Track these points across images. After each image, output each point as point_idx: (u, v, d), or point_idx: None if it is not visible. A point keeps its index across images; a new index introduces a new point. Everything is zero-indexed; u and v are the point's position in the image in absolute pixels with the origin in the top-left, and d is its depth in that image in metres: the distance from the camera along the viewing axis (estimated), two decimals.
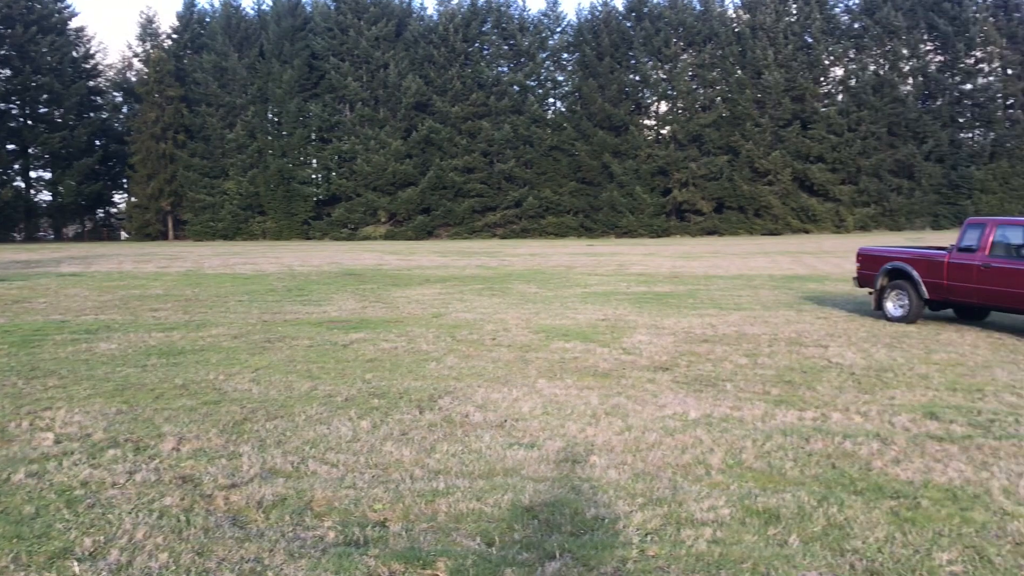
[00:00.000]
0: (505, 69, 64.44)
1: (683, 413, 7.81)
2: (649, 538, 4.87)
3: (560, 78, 65.49)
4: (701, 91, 62.81)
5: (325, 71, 63.14)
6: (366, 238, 61.29)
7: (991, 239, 12.74)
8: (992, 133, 62.29)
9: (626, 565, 4.52)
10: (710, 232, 60.82)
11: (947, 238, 42.63)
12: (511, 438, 7.00)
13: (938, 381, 9.27)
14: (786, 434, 7.04)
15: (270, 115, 65.12)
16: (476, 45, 64.30)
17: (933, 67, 63.16)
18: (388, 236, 61.77)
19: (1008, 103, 63.24)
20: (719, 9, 63.58)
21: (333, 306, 16.95)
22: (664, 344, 11.92)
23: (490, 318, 14.89)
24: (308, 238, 62.80)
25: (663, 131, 63.73)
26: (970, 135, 64.27)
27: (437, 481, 5.88)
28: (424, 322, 14.43)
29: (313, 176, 66.67)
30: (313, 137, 65.05)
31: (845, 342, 12.01)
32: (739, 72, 61.08)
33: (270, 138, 64.47)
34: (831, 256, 33.15)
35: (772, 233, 59.87)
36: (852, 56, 63.49)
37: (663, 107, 64.49)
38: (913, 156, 61.22)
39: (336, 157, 64.51)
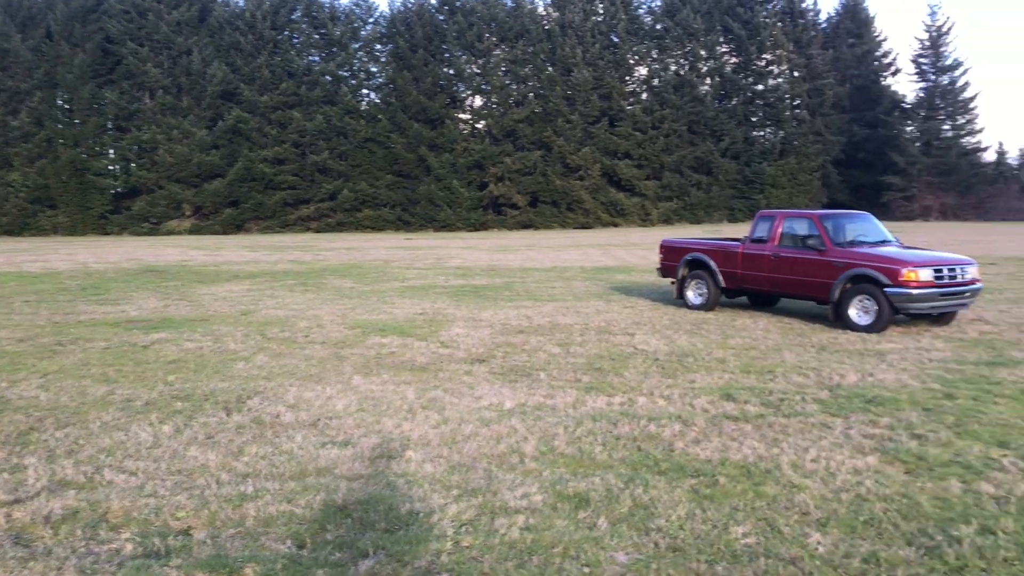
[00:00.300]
0: (316, 59, 62.92)
1: (499, 403, 7.90)
2: (464, 529, 4.88)
3: (374, 69, 64.64)
4: (514, 87, 63.77)
5: (122, 56, 59.32)
6: (170, 233, 58.22)
7: (780, 231, 13.68)
8: (781, 132, 66.99)
9: (440, 558, 4.51)
10: (526, 225, 61.98)
11: (742, 230, 45.56)
12: (324, 437, 6.84)
13: (734, 364, 9.84)
14: (596, 419, 7.26)
15: (60, 102, 60.45)
16: (285, 33, 62.38)
17: (728, 68, 67.10)
18: (194, 231, 58.95)
19: (795, 103, 68.20)
20: (529, 6, 64.77)
21: (132, 305, 15.98)
22: (481, 336, 12.02)
23: (303, 314, 14.51)
24: (106, 233, 58.91)
25: (478, 125, 64.29)
26: (762, 133, 68.86)
27: (245, 485, 5.65)
28: (232, 320, 13.86)
29: (110, 167, 62.43)
30: (109, 126, 60.99)
31: (650, 330, 12.54)
32: (550, 69, 62.50)
33: (61, 126, 59.86)
34: (638, 248, 34.60)
35: (584, 226, 61.75)
36: (655, 56, 66.42)
37: (478, 101, 65.08)
38: (711, 153, 64.84)
39: (136, 147, 60.75)
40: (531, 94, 62.92)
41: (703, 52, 65.89)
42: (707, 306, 14.60)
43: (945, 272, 12.13)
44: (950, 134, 67.44)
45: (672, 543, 4.65)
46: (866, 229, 13.87)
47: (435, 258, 29.79)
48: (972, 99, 66.66)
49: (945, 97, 66.98)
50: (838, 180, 67.88)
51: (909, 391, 8.33)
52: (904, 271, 11.85)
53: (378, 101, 63.90)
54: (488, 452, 6.35)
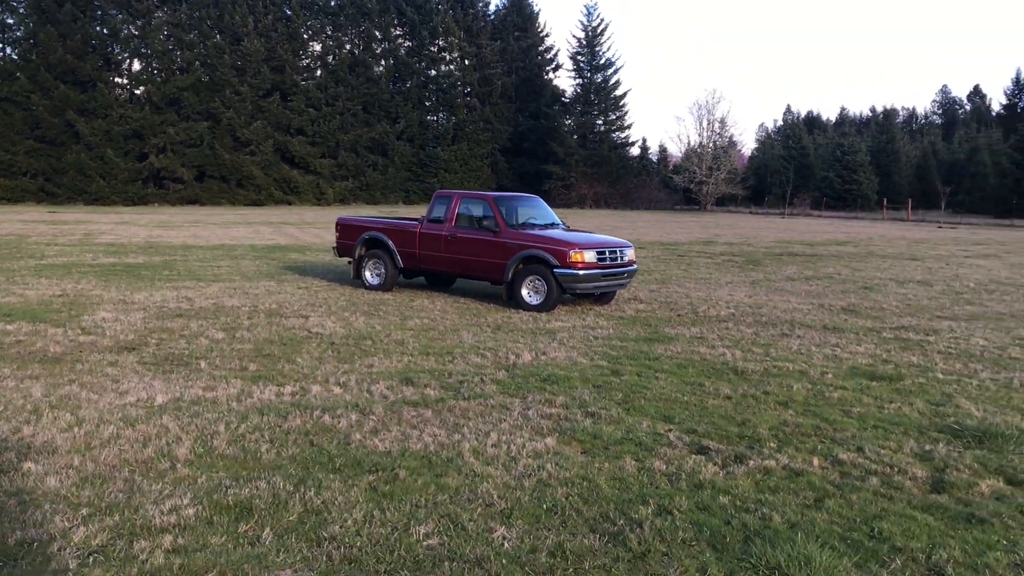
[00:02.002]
0: None
1: (148, 399, 6.88)
2: (93, 559, 3.99)
3: (10, 21, 56.91)
4: (178, 52, 59.33)
5: None
6: None
7: (457, 211, 13.61)
8: (454, 117, 68.75)
9: None
10: (191, 201, 58.12)
11: (418, 212, 46.02)
12: None
13: (413, 346, 9.52)
14: (263, 413, 6.53)
15: None
16: None
17: (403, 51, 67.65)
18: None
19: (466, 91, 70.31)
20: None
21: None
22: (132, 321, 10.67)
23: None
24: None
25: (137, 91, 59.08)
26: (435, 118, 70.26)
27: None
28: None
29: None
30: None
31: (325, 312, 11.91)
32: (217, 36, 58.98)
33: None
34: (312, 227, 33.59)
35: (255, 204, 59.19)
36: (330, 33, 65.23)
37: (136, 65, 59.77)
38: (387, 134, 65.05)
39: None
40: (197, 61, 58.97)
41: (377, 33, 65.78)
42: (385, 286, 14.22)
43: (607, 254, 12.72)
44: (603, 129, 73.23)
45: (348, 553, 4.12)
46: (536, 212, 14.23)
47: (83, 234, 26.71)
48: (623, 97, 72.87)
49: (599, 93, 72.51)
50: (506, 167, 71.08)
51: (580, 369, 8.49)
52: (571, 253, 12.25)
53: (16, 57, 56.50)
54: (131, 458, 5.40)
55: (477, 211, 13.54)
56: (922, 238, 33.36)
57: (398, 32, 68.08)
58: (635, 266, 13.54)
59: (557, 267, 12.25)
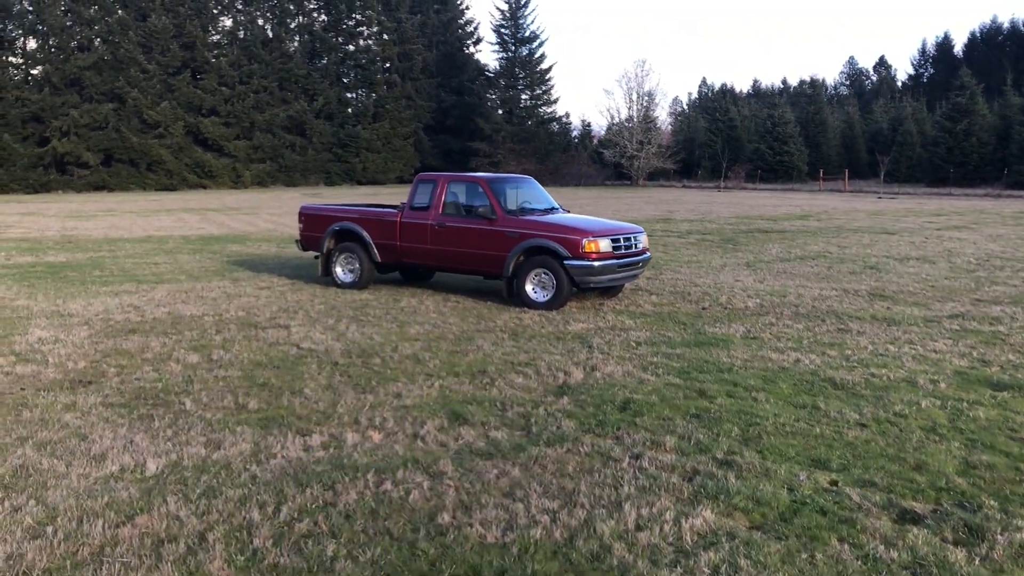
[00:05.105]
0: None
1: (136, 466, 5.13)
2: None
3: None
4: (77, 29, 55.27)
5: None
6: None
7: (444, 197, 11.92)
8: (374, 94, 66.16)
9: None
10: (99, 187, 54.39)
11: (342, 194, 43.73)
12: None
13: (434, 364, 7.87)
14: (301, 483, 4.86)
15: None
16: None
17: (318, 26, 64.72)
18: None
19: (386, 67, 67.73)
20: None
21: None
22: (77, 341, 8.74)
23: None
24: None
25: (34, 71, 54.86)
26: (354, 95, 67.54)
27: None
28: None
29: None
30: None
31: (305, 319, 10.13)
32: (120, 12, 55.14)
33: None
34: (239, 213, 31.15)
35: (168, 188, 55.81)
36: (241, 7, 61.85)
37: (32, 44, 55.45)
38: (304, 113, 62.17)
39: None
40: (98, 39, 55.05)
41: (291, 6, 62.73)
42: (360, 284, 12.45)
43: (622, 241, 11.26)
44: (529, 103, 71.62)
45: None
46: (532, 195, 12.63)
47: None
48: (548, 70, 71.34)
49: (524, 67, 70.81)
50: (430, 145, 68.86)
51: (654, 389, 7.00)
52: (585, 242, 10.74)
53: None
54: None
55: (468, 196, 11.88)
56: (875, 210, 32.88)
57: (313, 6, 65.09)
58: (648, 254, 12.08)
59: (568, 258, 10.71)
